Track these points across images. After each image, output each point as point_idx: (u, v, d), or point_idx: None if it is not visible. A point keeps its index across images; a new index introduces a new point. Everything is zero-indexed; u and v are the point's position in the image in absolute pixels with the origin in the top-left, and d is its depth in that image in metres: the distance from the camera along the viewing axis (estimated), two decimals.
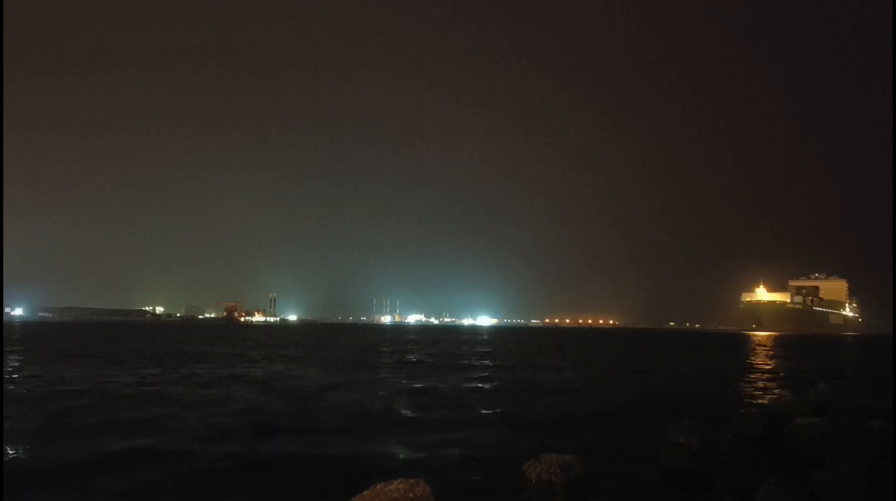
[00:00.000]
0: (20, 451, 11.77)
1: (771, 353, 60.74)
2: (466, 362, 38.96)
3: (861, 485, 8.39)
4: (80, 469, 10.54)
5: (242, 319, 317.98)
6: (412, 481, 6.76)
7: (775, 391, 24.12)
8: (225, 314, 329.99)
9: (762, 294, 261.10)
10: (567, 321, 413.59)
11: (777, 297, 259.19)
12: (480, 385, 24.57)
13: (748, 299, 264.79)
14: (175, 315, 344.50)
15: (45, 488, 9.53)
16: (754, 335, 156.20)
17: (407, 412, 17.25)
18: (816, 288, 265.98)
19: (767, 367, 39.76)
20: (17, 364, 31.01)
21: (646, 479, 10.20)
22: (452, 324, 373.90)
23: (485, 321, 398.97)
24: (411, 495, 6.56)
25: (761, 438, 13.11)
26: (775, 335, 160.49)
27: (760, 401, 20.27)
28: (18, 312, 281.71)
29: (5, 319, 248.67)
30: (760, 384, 27.88)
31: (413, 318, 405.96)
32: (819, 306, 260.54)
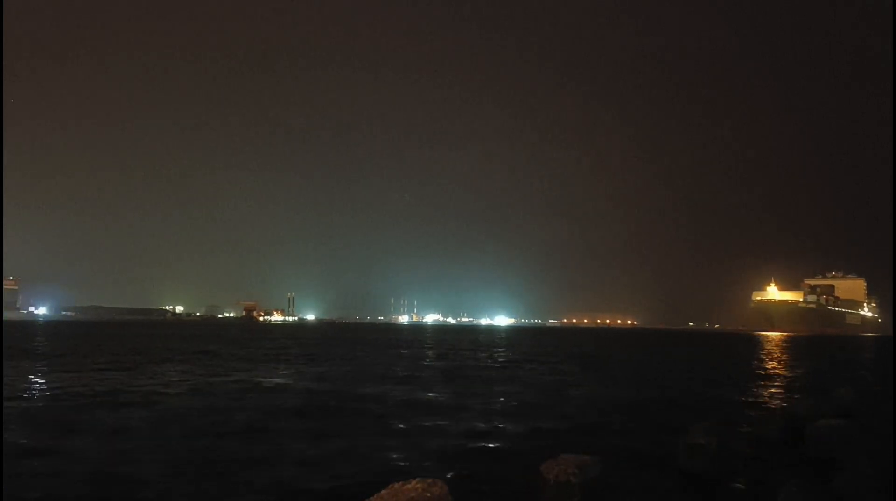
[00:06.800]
0: None
1: (787, 354, 60.04)
2: (484, 362, 38.95)
3: (885, 488, 8.26)
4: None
5: (261, 318, 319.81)
6: (429, 480, 6.76)
7: (794, 393, 23.82)
8: (244, 313, 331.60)
9: (773, 293, 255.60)
10: (585, 321, 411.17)
11: (789, 296, 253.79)
12: (496, 387, 24.53)
13: (759, 299, 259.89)
14: (195, 314, 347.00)
15: None
16: (766, 336, 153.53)
17: (425, 413, 17.26)
18: (832, 287, 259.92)
19: (785, 368, 39.31)
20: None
21: (663, 480, 10.13)
22: (470, 324, 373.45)
23: (502, 320, 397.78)
24: (428, 494, 6.56)
25: (782, 440, 12.96)
26: (788, 336, 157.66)
27: (780, 403, 20.05)
28: (42, 311, 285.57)
29: (29, 318, 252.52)
30: (779, 385, 27.56)
31: (430, 318, 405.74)
32: (834, 306, 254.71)
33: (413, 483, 6.69)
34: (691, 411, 17.44)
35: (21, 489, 9.35)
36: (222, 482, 9.96)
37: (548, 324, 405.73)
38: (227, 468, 10.76)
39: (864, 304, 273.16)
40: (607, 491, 8.42)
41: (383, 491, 6.61)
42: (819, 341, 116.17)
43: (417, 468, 10.54)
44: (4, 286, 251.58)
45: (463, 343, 69.40)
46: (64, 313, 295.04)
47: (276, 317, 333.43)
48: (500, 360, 41.20)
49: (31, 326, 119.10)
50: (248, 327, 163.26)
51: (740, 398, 21.88)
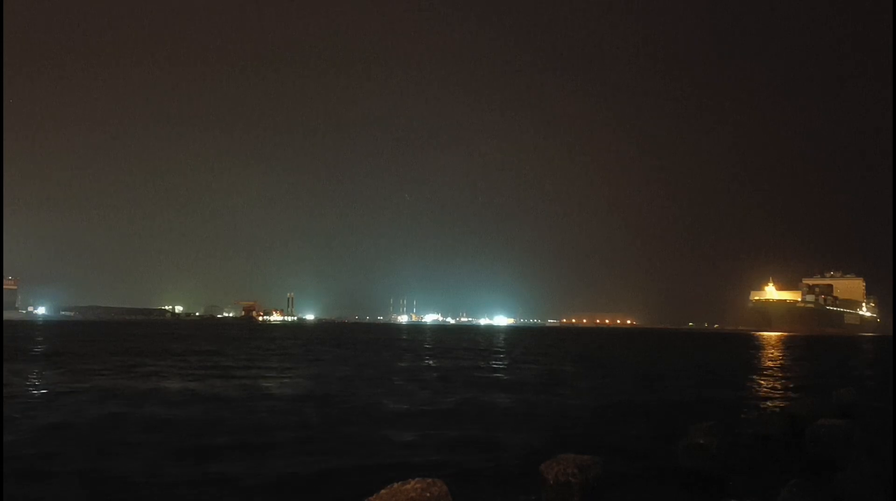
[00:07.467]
0: None
1: (786, 354, 60.01)
2: (483, 363, 38.92)
3: (885, 488, 8.25)
4: None
5: (261, 318, 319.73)
6: (429, 480, 6.74)
7: (794, 393, 23.82)
8: (243, 313, 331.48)
9: (771, 293, 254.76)
10: (584, 321, 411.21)
11: (787, 296, 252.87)
12: (495, 387, 24.52)
13: (757, 299, 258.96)
14: (194, 314, 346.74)
15: None
16: (763, 336, 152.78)
17: (424, 414, 17.25)
18: (830, 287, 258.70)
19: (784, 369, 39.30)
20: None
21: (664, 480, 10.11)
22: (469, 324, 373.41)
23: (501, 320, 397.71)
24: (428, 494, 6.54)
25: (782, 440, 12.94)
26: (786, 336, 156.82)
27: (780, 403, 20.03)
28: (41, 311, 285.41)
29: (29, 318, 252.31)
30: (779, 385, 27.55)
31: (430, 318, 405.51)
32: (833, 306, 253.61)
33: (413, 483, 6.67)
34: (691, 411, 17.42)
35: (20, 488, 9.33)
36: (218, 482, 9.94)
37: (547, 324, 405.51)
38: (224, 468, 10.74)
39: (863, 304, 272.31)
40: (607, 491, 8.39)
41: (383, 491, 6.59)
42: (818, 341, 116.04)
43: (417, 468, 10.52)
44: (4, 286, 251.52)
45: (462, 343, 69.37)
46: (63, 313, 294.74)
47: (276, 317, 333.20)
48: (499, 360, 41.17)
49: (30, 326, 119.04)
50: (248, 327, 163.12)
51: (740, 398, 21.86)
